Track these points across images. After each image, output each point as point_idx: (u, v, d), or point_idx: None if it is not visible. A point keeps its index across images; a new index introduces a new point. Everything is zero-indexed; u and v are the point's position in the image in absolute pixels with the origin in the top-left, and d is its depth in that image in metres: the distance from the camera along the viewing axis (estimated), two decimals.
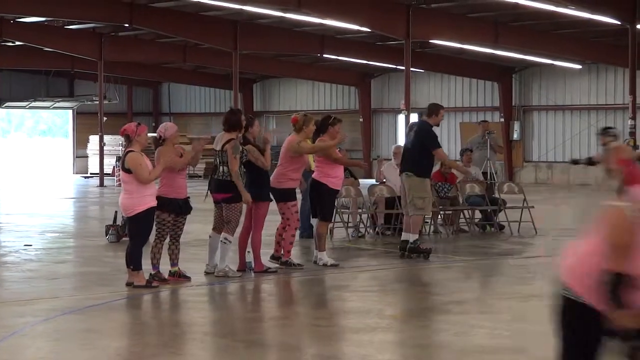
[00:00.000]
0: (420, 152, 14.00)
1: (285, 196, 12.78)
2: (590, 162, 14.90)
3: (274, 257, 13.04)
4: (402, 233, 14.40)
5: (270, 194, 12.61)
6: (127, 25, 30.38)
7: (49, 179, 38.80)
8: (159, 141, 11.63)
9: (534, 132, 36.60)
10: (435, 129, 14.29)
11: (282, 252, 12.99)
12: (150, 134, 12.35)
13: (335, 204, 14.76)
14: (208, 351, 8.62)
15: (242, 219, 12.37)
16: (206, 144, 12.23)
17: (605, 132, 14.15)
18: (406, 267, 13.56)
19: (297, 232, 15.04)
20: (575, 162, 16.35)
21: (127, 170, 11.04)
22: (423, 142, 13.99)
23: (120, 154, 33.85)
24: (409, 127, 18.72)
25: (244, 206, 12.21)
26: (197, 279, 11.99)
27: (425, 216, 15.19)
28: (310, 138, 13.30)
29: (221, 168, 12.01)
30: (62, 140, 51.14)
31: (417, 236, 14.17)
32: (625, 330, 4.77)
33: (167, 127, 11.74)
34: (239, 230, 12.38)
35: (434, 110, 14.27)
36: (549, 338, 8.87)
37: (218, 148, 12.08)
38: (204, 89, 46.10)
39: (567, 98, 35.63)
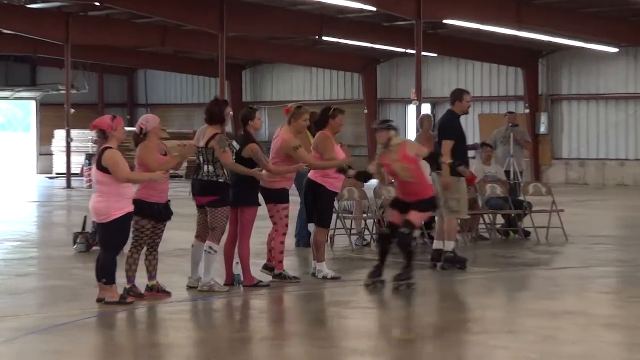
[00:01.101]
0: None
1: (276, 197, 12.69)
2: (362, 176, 13.14)
3: (266, 267, 13.00)
4: (434, 241, 14.39)
5: (260, 194, 12.57)
6: (97, 3, 30.37)
7: (9, 180, 38.81)
8: (139, 136, 11.61)
9: (564, 125, 36.64)
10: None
11: None
12: (127, 128, 12.35)
13: (336, 207, 14.75)
14: None
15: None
16: (193, 153, 12.16)
17: (386, 124, 12.75)
18: (417, 280, 13.56)
19: (294, 241, 15.07)
20: (348, 175, 13.07)
21: (104, 169, 11.03)
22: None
23: (90, 150, 34.12)
24: (420, 120, 18.77)
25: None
26: (178, 294, 12.00)
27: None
28: (305, 132, 13.27)
29: (205, 167, 12.00)
30: (24, 135, 51.20)
31: (453, 243, 14.11)
32: None
33: (148, 119, 11.73)
34: (224, 238, 12.38)
35: (458, 95, 14.23)
36: None
37: (201, 144, 12.06)
38: (186, 76, 46.13)
39: (601, 86, 35.65)
